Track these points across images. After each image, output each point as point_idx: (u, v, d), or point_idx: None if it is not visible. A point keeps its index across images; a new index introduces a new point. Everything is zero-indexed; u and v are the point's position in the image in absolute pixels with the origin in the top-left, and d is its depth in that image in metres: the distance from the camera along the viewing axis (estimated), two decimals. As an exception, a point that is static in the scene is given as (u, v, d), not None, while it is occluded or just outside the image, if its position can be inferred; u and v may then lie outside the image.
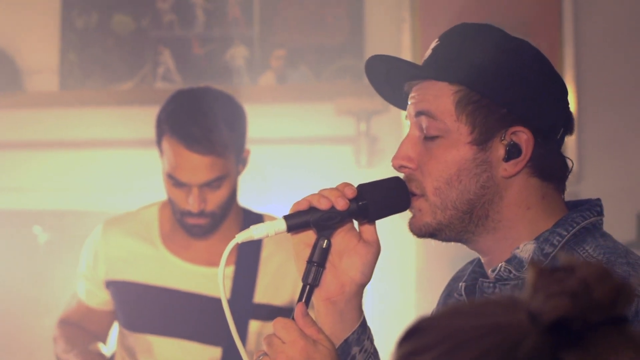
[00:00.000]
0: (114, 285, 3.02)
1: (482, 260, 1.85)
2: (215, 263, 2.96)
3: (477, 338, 0.94)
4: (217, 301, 2.94)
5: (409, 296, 4.08)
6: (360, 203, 1.79)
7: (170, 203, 2.89)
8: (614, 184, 3.84)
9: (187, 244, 2.97)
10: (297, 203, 1.81)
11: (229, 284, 2.94)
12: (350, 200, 1.79)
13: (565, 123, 1.80)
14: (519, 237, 1.77)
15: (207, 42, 4.14)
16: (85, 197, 4.22)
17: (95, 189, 4.24)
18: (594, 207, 1.80)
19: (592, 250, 1.72)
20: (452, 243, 1.85)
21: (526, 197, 1.78)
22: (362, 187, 1.81)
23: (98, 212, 4.09)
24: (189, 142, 2.75)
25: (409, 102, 1.83)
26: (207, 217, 2.84)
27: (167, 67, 4.12)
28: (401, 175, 1.85)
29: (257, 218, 3.01)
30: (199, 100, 2.82)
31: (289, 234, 1.85)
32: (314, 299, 1.83)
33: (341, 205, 1.78)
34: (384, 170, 4.18)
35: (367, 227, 1.83)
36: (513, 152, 1.75)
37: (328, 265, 1.81)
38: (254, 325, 2.94)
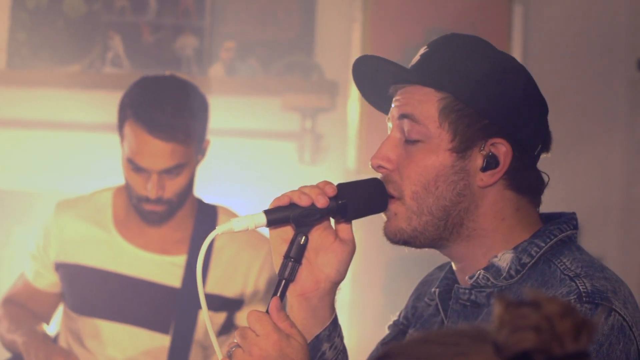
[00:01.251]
0: (64, 268, 3.00)
1: (455, 267, 1.89)
2: (167, 251, 2.96)
3: None
4: (168, 289, 2.94)
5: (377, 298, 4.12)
6: (339, 202, 1.82)
7: (127, 188, 2.89)
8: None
9: (141, 230, 2.96)
10: (278, 199, 1.83)
11: (180, 272, 2.94)
12: (330, 199, 1.81)
13: (544, 140, 1.85)
14: (493, 246, 1.81)
15: (158, 30, 4.13)
16: (30, 178, 4.18)
17: (41, 170, 4.19)
18: (570, 220, 1.84)
19: (569, 263, 1.76)
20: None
21: (501, 208, 1.81)
22: (341, 187, 1.84)
23: (43, 193, 4.05)
24: (152, 127, 2.75)
25: (393, 105, 1.86)
26: (164, 204, 2.84)
27: (116, 52, 4.09)
28: (378, 176, 1.87)
29: (211, 209, 3.03)
30: (164, 87, 2.83)
31: (268, 229, 1.86)
32: (288, 294, 1.85)
33: (321, 203, 1.80)
34: (327, 168, 4.27)
35: (343, 226, 1.86)
36: (491, 163, 1.78)
37: (304, 261, 1.83)
38: (201, 315, 2.94)
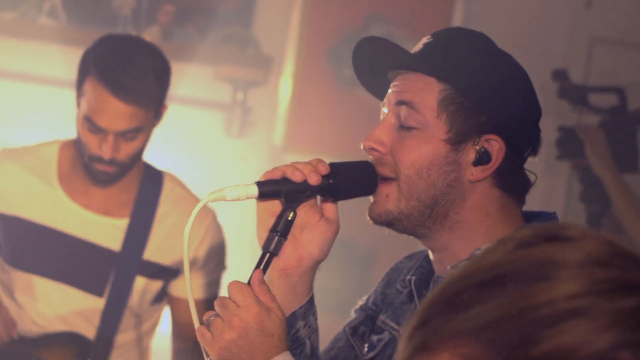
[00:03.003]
0: (1, 219, 2.93)
1: (433, 257, 1.91)
2: (110, 212, 2.92)
3: None
4: (107, 252, 2.91)
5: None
6: (331, 181, 1.83)
7: (79, 145, 2.83)
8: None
9: (85, 189, 2.92)
10: (270, 172, 1.83)
11: (121, 235, 2.91)
12: (322, 177, 1.82)
13: (535, 144, 1.89)
14: (476, 240, 1.84)
15: (97, -15, 4.05)
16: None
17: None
18: (552, 219, 1.90)
19: None
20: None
21: (486, 204, 1.85)
22: (333, 166, 1.85)
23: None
24: (116, 88, 2.71)
25: (391, 90, 1.87)
26: (116, 165, 2.80)
27: (53, 3, 4.00)
28: (369, 158, 1.89)
29: (158, 174, 3.00)
30: (130, 48, 2.78)
31: (256, 201, 1.86)
32: (269, 268, 1.85)
33: (314, 180, 1.81)
34: (253, 143, 4.26)
35: (329, 205, 1.88)
36: (483, 158, 1.82)
37: (289, 237, 1.84)
38: (139, 282, 2.92)
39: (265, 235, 1.83)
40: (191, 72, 4.14)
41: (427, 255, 1.96)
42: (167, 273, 2.95)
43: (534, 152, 1.90)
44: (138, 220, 2.90)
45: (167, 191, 2.97)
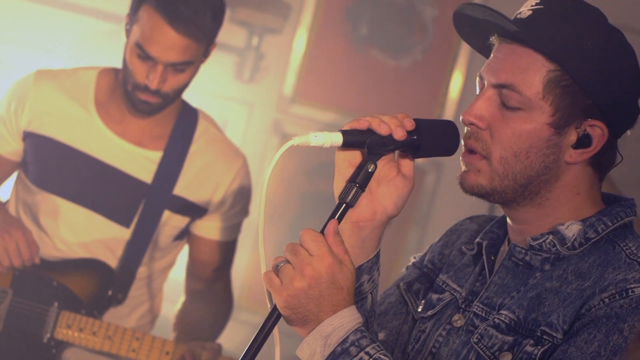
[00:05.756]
0: (33, 138, 2.88)
1: (512, 227, 1.89)
2: (144, 144, 2.89)
3: None
4: (138, 182, 2.88)
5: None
6: (414, 137, 1.81)
7: (124, 72, 2.79)
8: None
9: (122, 117, 2.88)
10: (356, 121, 1.79)
11: (153, 168, 2.88)
12: (407, 133, 1.80)
13: (632, 123, 1.86)
14: (561, 217, 1.83)
15: None
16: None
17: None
18: (632, 206, 1.88)
19: (635, 248, 1.79)
20: None
21: (579, 184, 1.83)
22: (419, 123, 1.81)
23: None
24: (174, 19, 2.67)
25: (491, 63, 1.82)
26: (160, 97, 2.76)
27: None
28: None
29: (193, 112, 2.98)
30: None
31: (337, 149, 1.83)
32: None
33: (400, 135, 1.78)
34: (262, 89, 4.23)
35: (407, 162, 1.85)
36: (584, 141, 1.79)
37: (366, 190, 1.81)
38: (166, 216, 2.90)
39: (342, 185, 1.80)
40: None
41: (499, 221, 1.95)
42: (195, 210, 2.93)
43: (631, 127, 1.87)
44: (171, 154, 2.87)
45: (202, 130, 2.94)
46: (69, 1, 4.01)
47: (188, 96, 2.97)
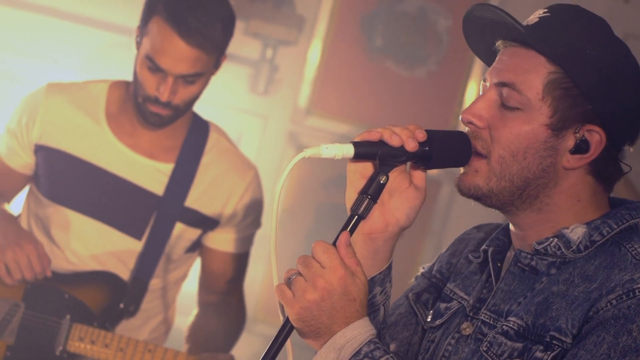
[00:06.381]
0: (45, 151, 2.88)
1: (515, 233, 1.89)
2: (156, 156, 2.89)
3: None
4: (149, 195, 2.88)
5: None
6: (426, 148, 1.80)
7: (134, 85, 2.79)
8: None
9: (133, 130, 2.88)
10: (368, 133, 1.80)
11: (165, 180, 2.88)
12: (418, 144, 1.80)
13: (634, 136, 1.86)
14: (563, 222, 1.83)
15: None
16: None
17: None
18: (637, 208, 1.87)
19: None
20: None
21: (579, 191, 1.83)
22: (430, 134, 1.82)
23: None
24: (184, 30, 2.67)
25: (496, 65, 1.84)
26: (170, 109, 2.77)
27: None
28: (465, 130, 1.86)
29: (204, 124, 2.98)
30: None
31: (349, 161, 1.83)
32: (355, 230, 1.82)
33: (411, 146, 1.78)
34: (277, 102, 4.22)
35: (419, 173, 1.86)
36: (582, 147, 1.79)
37: (378, 201, 1.81)
38: (178, 228, 2.89)
39: (354, 196, 1.80)
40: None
41: (504, 228, 1.95)
42: (207, 222, 2.92)
43: (632, 143, 1.86)
44: (183, 166, 2.88)
45: (213, 142, 2.94)
46: (80, 14, 4.02)
47: (203, 109, 2.98)
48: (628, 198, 1.94)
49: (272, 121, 4.21)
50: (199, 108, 2.94)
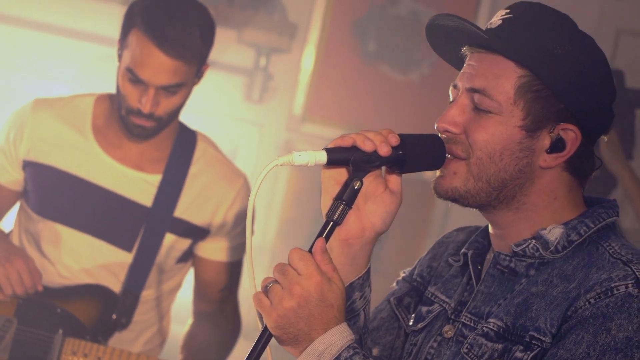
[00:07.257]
0: (33, 167, 2.89)
1: (493, 232, 1.90)
2: (143, 168, 2.89)
3: None
4: (138, 206, 2.88)
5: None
6: (400, 153, 1.80)
7: (117, 98, 2.80)
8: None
9: (120, 142, 2.89)
10: (340, 139, 1.80)
11: (153, 191, 2.88)
12: (392, 148, 1.80)
13: (607, 128, 1.86)
14: (541, 221, 1.83)
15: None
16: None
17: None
18: (614, 207, 1.87)
19: (618, 247, 1.79)
20: None
21: (555, 188, 1.83)
22: (404, 138, 1.81)
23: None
24: (162, 41, 2.67)
25: (465, 70, 1.83)
26: (154, 120, 2.77)
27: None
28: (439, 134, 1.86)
29: (192, 134, 2.98)
30: (178, 2, 2.75)
31: (321, 167, 1.83)
32: (331, 237, 1.81)
33: (384, 151, 1.78)
34: (272, 109, 4.22)
35: (394, 177, 1.86)
36: (557, 146, 1.79)
37: (353, 207, 1.81)
38: (168, 239, 2.90)
39: (329, 203, 1.81)
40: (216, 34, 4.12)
41: (483, 230, 1.96)
42: (196, 232, 2.93)
43: (606, 133, 1.87)
44: (171, 177, 2.88)
45: (200, 151, 2.94)
46: (71, 28, 4.03)
47: (198, 118, 2.98)
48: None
49: (267, 129, 4.21)
50: (194, 118, 2.94)
